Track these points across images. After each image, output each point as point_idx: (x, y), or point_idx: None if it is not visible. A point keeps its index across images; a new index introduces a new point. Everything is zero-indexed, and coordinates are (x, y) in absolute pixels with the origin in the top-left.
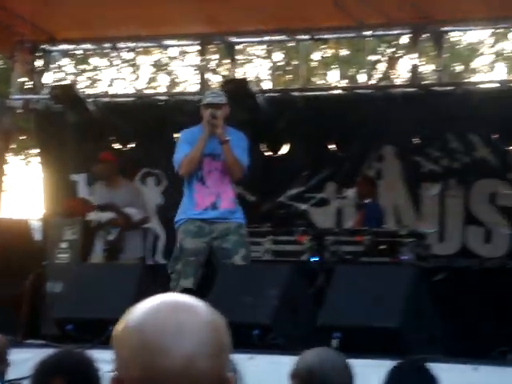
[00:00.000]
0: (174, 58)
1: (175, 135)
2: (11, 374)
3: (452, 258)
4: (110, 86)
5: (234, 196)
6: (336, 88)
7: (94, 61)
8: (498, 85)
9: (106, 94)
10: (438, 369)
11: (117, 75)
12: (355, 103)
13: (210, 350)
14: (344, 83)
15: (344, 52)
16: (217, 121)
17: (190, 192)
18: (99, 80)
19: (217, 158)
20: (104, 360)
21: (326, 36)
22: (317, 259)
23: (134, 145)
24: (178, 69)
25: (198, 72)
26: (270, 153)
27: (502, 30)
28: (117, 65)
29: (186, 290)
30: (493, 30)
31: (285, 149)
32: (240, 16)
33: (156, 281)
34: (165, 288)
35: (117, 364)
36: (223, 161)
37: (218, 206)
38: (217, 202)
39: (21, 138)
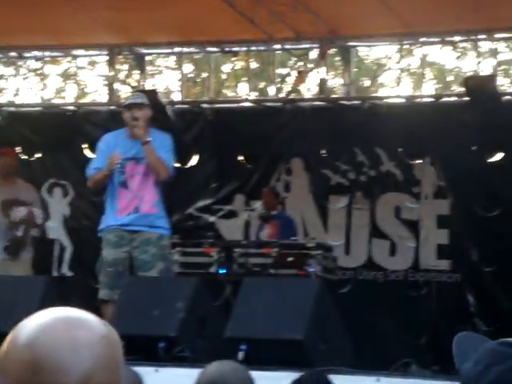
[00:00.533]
0: (83, 67)
1: (83, 145)
2: None
3: (358, 270)
4: (17, 95)
5: (158, 200)
6: (246, 100)
7: (0, 69)
8: (403, 100)
9: (12, 104)
10: (341, 380)
11: (23, 84)
12: (264, 116)
13: (106, 365)
14: (254, 96)
15: (254, 65)
16: (137, 122)
17: (113, 198)
18: (5, 89)
19: (140, 161)
20: None
21: (235, 48)
22: (224, 271)
23: (40, 155)
24: (87, 79)
25: (106, 82)
26: (179, 164)
27: (407, 46)
28: (23, 74)
29: (102, 301)
30: (399, 46)
31: (194, 160)
32: (150, 27)
33: (62, 293)
34: (70, 301)
35: (4, 382)
36: (146, 164)
37: (140, 209)
38: (139, 205)
39: None
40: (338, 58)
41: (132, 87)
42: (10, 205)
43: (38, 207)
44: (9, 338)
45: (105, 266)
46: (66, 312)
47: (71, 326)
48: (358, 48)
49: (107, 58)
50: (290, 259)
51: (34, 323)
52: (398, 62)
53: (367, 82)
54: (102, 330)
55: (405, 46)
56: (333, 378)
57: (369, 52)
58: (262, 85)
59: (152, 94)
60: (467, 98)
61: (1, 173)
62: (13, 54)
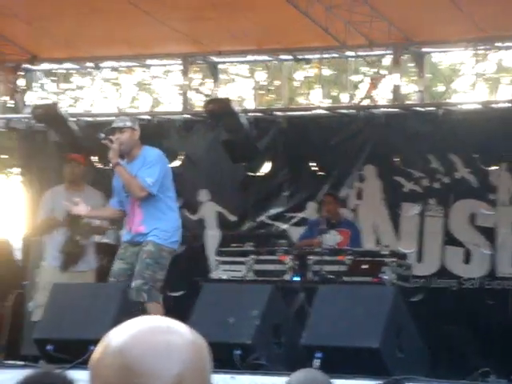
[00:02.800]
0: (157, 77)
1: None
2: None
3: (430, 278)
4: (93, 105)
5: (143, 219)
6: (318, 108)
7: (77, 80)
8: (478, 106)
9: (88, 113)
10: None
11: (99, 94)
12: (337, 123)
13: (195, 370)
14: (327, 103)
15: (327, 72)
16: (111, 144)
17: (128, 215)
18: (81, 99)
19: None
20: (83, 380)
21: (308, 56)
22: (299, 278)
23: None
24: (161, 88)
25: (180, 91)
26: (251, 172)
27: (482, 51)
28: (99, 84)
29: None
30: (474, 51)
31: (266, 168)
32: (223, 36)
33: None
34: (144, 309)
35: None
36: None
37: (131, 229)
38: (132, 224)
39: (2, 157)
40: (411, 64)
41: (205, 95)
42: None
43: None
44: (101, 343)
45: (110, 277)
46: (156, 319)
47: (161, 331)
48: (431, 54)
49: (181, 67)
50: (365, 267)
51: (125, 329)
52: (473, 68)
53: (441, 88)
54: (191, 336)
55: (480, 51)
56: None
57: (443, 58)
58: (335, 92)
59: (225, 103)
60: None
61: (68, 179)
62: (89, 64)
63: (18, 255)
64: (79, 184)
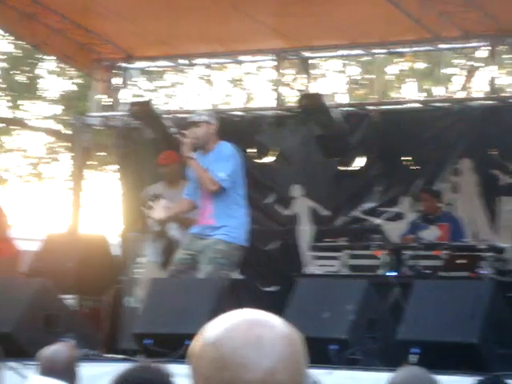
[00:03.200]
0: (250, 73)
1: (249, 150)
2: None
3: None
4: (186, 101)
5: (216, 211)
6: (412, 101)
7: (170, 77)
8: None
9: (182, 110)
10: None
11: (192, 91)
12: (431, 116)
13: (288, 364)
14: (420, 97)
15: (420, 65)
16: (183, 139)
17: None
18: (175, 96)
19: None
20: (181, 374)
21: (401, 49)
22: (394, 273)
23: None
24: (254, 84)
25: (273, 87)
26: (344, 167)
27: None
28: (193, 81)
29: None
30: None
31: (358, 163)
32: (315, 31)
33: (234, 296)
34: (243, 303)
35: (195, 380)
36: None
37: (203, 220)
38: (202, 217)
39: (99, 154)
40: (508, 56)
41: (298, 91)
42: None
43: None
44: (198, 337)
45: (171, 265)
46: (250, 313)
47: (255, 325)
48: None
49: (273, 62)
50: (461, 261)
51: (220, 323)
52: None
53: None
54: (285, 330)
55: None
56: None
57: None
58: (428, 85)
59: (317, 98)
60: None
61: (166, 180)
62: (182, 61)
63: (115, 251)
64: (176, 181)
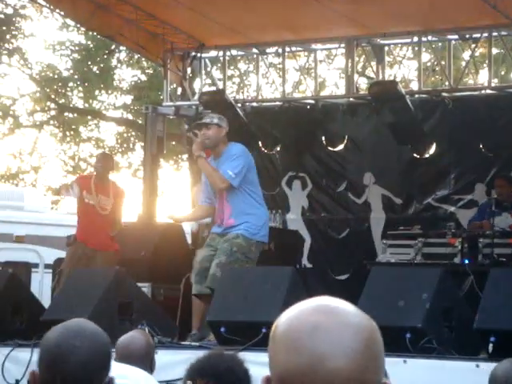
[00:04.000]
0: (322, 61)
1: (322, 137)
2: (168, 375)
3: None
4: (258, 90)
5: (232, 210)
6: (486, 88)
7: (242, 66)
8: None
9: (253, 99)
10: None
11: (264, 80)
12: (506, 102)
13: (347, 352)
14: (495, 83)
15: (495, 51)
16: (195, 138)
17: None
18: (247, 85)
19: None
20: (256, 362)
21: (475, 35)
22: (469, 261)
23: (279, 148)
24: (325, 72)
25: (344, 75)
26: (417, 155)
27: None
28: (264, 69)
29: (196, 296)
30: None
31: (432, 150)
32: (387, 18)
33: (304, 284)
34: (312, 291)
35: (269, 363)
36: None
37: (222, 222)
38: (221, 218)
39: (172, 143)
40: None
41: (369, 78)
42: None
43: None
44: (273, 326)
45: (195, 264)
46: (323, 300)
47: (320, 312)
48: None
49: (344, 50)
50: None
51: (293, 309)
52: None
53: None
54: (353, 318)
55: None
56: None
57: None
58: (503, 71)
59: (390, 85)
60: None
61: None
62: (254, 50)
63: (189, 239)
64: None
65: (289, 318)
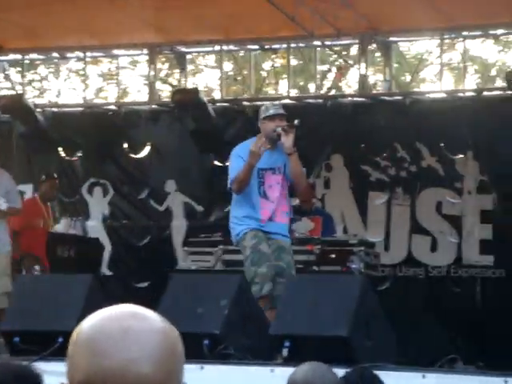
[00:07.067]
0: (124, 67)
1: (124, 145)
2: None
3: (397, 266)
4: (58, 95)
5: (290, 210)
6: (286, 97)
7: (43, 70)
8: (445, 95)
9: (54, 104)
10: (387, 377)
11: (65, 85)
12: (305, 113)
13: (155, 357)
14: (294, 93)
15: (294, 62)
16: (291, 130)
17: (253, 209)
18: (47, 90)
19: (277, 171)
20: (52, 372)
21: (275, 46)
22: None
23: (81, 154)
24: (128, 79)
25: (147, 82)
26: (219, 162)
27: (449, 41)
28: (65, 74)
29: (262, 297)
30: (440, 41)
31: None
32: (190, 26)
33: (104, 292)
34: (112, 299)
35: (67, 372)
36: (283, 174)
37: (274, 218)
38: (273, 215)
39: None
40: (378, 54)
41: (172, 86)
42: None
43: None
44: (75, 329)
45: (266, 259)
46: (125, 307)
47: (124, 317)
48: (398, 43)
49: (147, 57)
50: (333, 256)
51: (97, 315)
52: (439, 57)
53: (408, 78)
54: (157, 324)
55: (446, 41)
56: (379, 374)
57: (410, 47)
58: (302, 82)
59: (192, 93)
60: (511, 92)
61: None
62: (55, 54)
63: None
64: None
65: (94, 323)
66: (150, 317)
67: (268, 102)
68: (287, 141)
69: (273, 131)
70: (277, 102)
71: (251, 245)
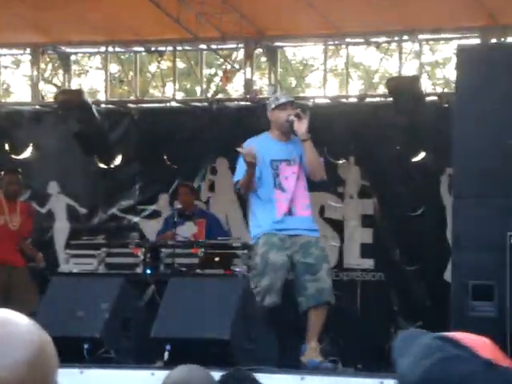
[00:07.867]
0: (7, 67)
1: (5, 145)
2: None
3: None
4: None
5: (309, 202)
6: (172, 100)
7: None
8: (328, 100)
9: None
10: (266, 379)
11: None
12: (190, 116)
13: (17, 364)
14: (180, 96)
15: (181, 65)
16: (304, 116)
17: (268, 202)
18: None
19: (292, 162)
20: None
21: (161, 48)
22: (151, 272)
23: None
24: (11, 78)
25: (31, 82)
26: (103, 164)
27: (333, 47)
28: None
29: (273, 306)
30: (324, 47)
31: (118, 160)
32: (74, 26)
33: None
34: None
35: None
36: (298, 165)
37: (294, 212)
38: (292, 207)
39: None
40: (264, 59)
41: (57, 87)
42: None
43: None
44: None
45: (272, 269)
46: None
47: None
48: (284, 48)
49: (30, 57)
50: (217, 259)
51: None
52: (324, 63)
53: (294, 82)
54: (22, 329)
55: (330, 47)
56: (257, 376)
57: (296, 52)
58: (188, 85)
59: (77, 94)
60: (391, 99)
61: None
62: None
63: None
64: None
65: None
66: (13, 322)
67: (276, 93)
68: (301, 127)
69: (286, 121)
70: (282, 91)
71: (261, 252)
